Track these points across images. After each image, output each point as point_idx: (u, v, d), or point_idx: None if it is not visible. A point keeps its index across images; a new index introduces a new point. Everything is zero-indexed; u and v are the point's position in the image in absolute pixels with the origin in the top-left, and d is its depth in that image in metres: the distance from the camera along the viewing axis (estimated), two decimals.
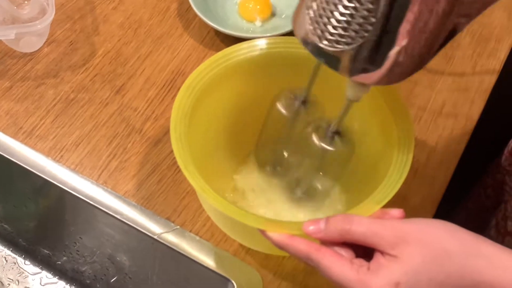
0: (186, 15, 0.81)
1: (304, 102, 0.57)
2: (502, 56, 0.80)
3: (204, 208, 0.63)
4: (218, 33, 0.79)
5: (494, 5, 0.82)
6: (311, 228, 0.46)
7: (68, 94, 0.73)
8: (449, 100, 0.75)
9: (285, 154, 0.62)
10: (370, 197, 0.49)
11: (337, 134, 0.53)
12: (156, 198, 0.65)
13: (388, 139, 0.54)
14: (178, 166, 0.67)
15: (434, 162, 0.70)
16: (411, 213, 0.66)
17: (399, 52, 0.42)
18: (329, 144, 0.53)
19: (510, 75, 0.82)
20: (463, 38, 0.81)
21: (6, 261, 0.83)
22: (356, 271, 0.43)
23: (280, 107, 0.57)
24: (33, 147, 0.69)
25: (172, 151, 0.68)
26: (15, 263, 0.83)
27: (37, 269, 0.83)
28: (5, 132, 0.70)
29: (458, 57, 0.79)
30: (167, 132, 0.70)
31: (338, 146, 0.54)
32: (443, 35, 0.44)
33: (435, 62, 0.78)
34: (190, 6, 0.78)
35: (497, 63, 0.79)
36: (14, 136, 0.69)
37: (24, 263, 0.83)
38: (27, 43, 0.76)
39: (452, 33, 0.44)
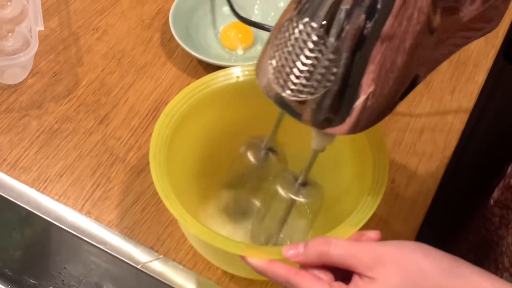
0: (168, 45, 0.83)
1: (270, 149, 0.58)
2: (480, 80, 0.82)
3: (187, 237, 0.63)
4: (200, 61, 0.80)
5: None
6: (290, 252, 0.46)
7: (52, 124, 0.74)
8: (428, 124, 0.76)
9: (253, 201, 0.63)
10: (346, 220, 0.50)
11: (304, 185, 0.54)
12: (140, 227, 0.66)
13: (363, 162, 0.55)
14: None
15: (415, 186, 0.71)
16: (392, 237, 0.67)
17: (363, 102, 0.43)
18: (298, 195, 0.54)
19: (488, 99, 0.83)
20: None
21: None
22: None
23: (246, 154, 0.58)
24: (17, 178, 0.69)
25: None
26: None
27: None
28: None
29: (437, 81, 0.81)
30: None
31: (308, 197, 0.54)
32: (406, 84, 0.45)
33: None
34: (172, 36, 0.79)
35: (475, 87, 0.81)
36: None
37: None
38: (11, 75, 0.76)
39: (413, 83, 0.45)
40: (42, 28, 0.74)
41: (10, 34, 0.80)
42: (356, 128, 0.44)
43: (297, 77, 0.43)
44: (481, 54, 0.84)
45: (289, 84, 0.44)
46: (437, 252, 0.44)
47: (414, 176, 0.71)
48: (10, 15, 0.80)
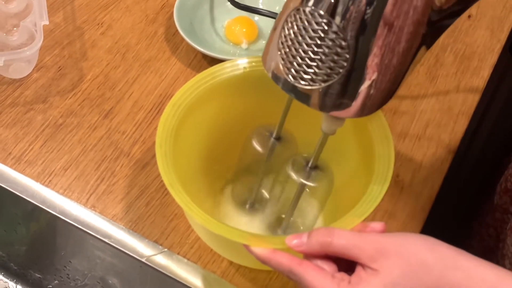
0: (173, 39, 0.83)
1: (278, 138, 0.58)
2: (485, 74, 0.82)
3: (192, 226, 0.64)
4: (205, 56, 0.80)
5: (476, 23, 0.83)
6: (294, 242, 0.47)
7: (57, 119, 0.74)
8: (433, 119, 0.76)
9: (263, 191, 0.63)
10: (351, 211, 0.50)
11: (315, 168, 0.54)
12: (144, 221, 0.66)
13: (368, 154, 0.55)
14: (166, 189, 0.68)
15: (419, 180, 0.70)
16: (398, 229, 0.68)
17: (370, 86, 0.43)
18: (309, 179, 0.54)
19: (493, 93, 0.83)
20: (447, 57, 0.83)
21: None
22: (337, 285, 0.43)
23: (254, 143, 0.58)
24: (22, 172, 0.69)
25: (159, 174, 0.69)
26: (6, 287, 0.84)
27: None
28: None
29: (442, 76, 0.81)
30: (155, 155, 0.70)
31: (318, 181, 0.54)
32: (408, 61, 0.45)
33: (419, 80, 0.80)
34: (177, 30, 0.79)
35: (480, 81, 0.81)
36: (3, 161, 0.70)
37: (16, 287, 0.84)
38: (16, 69, 0.77)
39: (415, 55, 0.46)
40: (47, 23, 0.74)
41: (15, 28, 0.80)
42: (364, 111, 0.45)
43: (309, 67, 0.43)
44: (486, 48, 0.84)
45: (302, 74, 0.44)
46: (441, 245, 0.44)
47: (419, 171, 0.71)
48: (15, 10, 0.80)
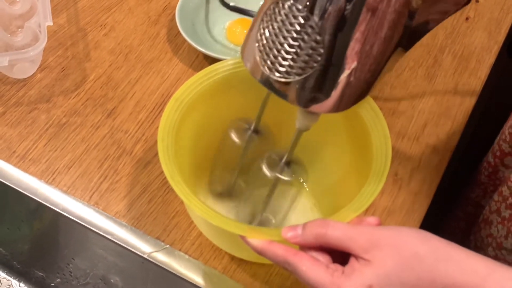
0: (175, 40, 0.84)
1: (256, 131, 0.59)
2: (483, 75, 0.83)
3: (193, 220, 0.64)
4: (206, 57, 0.81)
5: (473, 25, 0.85)
6: (289, 234, 0.48)
7: (60, 118, 0.75)
8: (431, 119, 0.77)
9: (239, 183, 0.64)
10: (348, 206, 0.51)
11: (288, 164, 0.55)
12: (146, 218, 0.67)
13: (366, 149, 0.56)
14: (168, 187, 0.69)
15: (418, 179, 0.71)
16: None
17: (347, 78, 0.44)
18: (282, 174, 0.55)
19: (490, 94, 0.84)
20: (445, 58, 0.84)
21: (1, 283, 0.84)
22: (331, 275, 0.44)
23: (232, 135, 0.59)
24: (26, 170, 0.70)
25: (161, 172, 0.70)
26: (9, 285, 0.84)
27: None
28: None
29: (440, 76, 0.82)
30: (157, 153, 0.71)
31: (291, 176, 0.55)
32: (385, 58, 0.46)
33: (418, 81, 0.81)
34: (179, 31, 0.80)
35: (478, 82, 0.82)
36: (7, 160, 0.71)
37: (19, 285, 0.85)
38: (20, 69, 0.78)
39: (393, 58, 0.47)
40: (51, 23, 0.75)
41: (19, 29, 0.82)
42: (340, 106, 0.46)
43: (284, 59, 0.44)
44: (484, 50, 0.85)
45: (277, 66, 0.45)
46: (433, 238, 0.45)
47: (417, 169, 0.72)
48: (19, 11, 0.82)
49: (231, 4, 0.85)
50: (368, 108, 0.57)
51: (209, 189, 0.67)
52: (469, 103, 0.79)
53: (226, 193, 0.65)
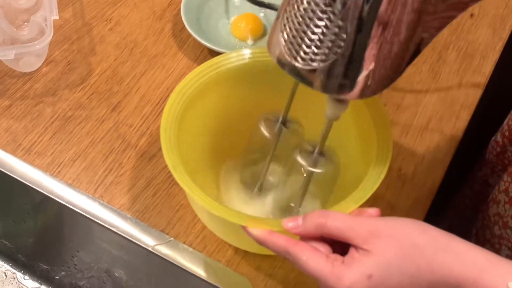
0: (180, 35, 0.84)
1: (285, 123, 0.59)
2: (487, 71, 0.83)
3: (196, 211, 0.64)
4: (211, 52, 0.81)
5: (478, 21, 0.85)
6: (290, 224, 0.48)
7: (66, 111, 0.75)
8: (435, 114, 0.77)
9: (270, 177, 0.65)
10: (349, 197, 0.51)
11: (321, 155, 0.55)
12: (151, 211, 0.67)
13: (368, 143, 0.56)
14: (172, 180, 0.70)
15: (421, 175, 0.72)
16: None
17: (371, 65, 0.44)
18: (316, 167, 0.55)
19: (494, 91, 0.84)
20: (449, 54, 0.84)
21: (6, 276, 0.85)
22: (331, 264, 0.45)
23: (262, 129, 0.59)
24: (32, 163, 0.71)
25: (166, 165, 0.70)
26: (14, 278, 0.85)
27: (36, 284, 0.85)
28: (4, 149, 0.72)
29: (444, 72, 0.82)
30: (161, 147, 0.72)
31: (324, 167, 0.55)
32: (410, 52, 0.46)
33: (422, 77, 0.81)
34: (184, 26, 0.81)
35: (482, 78, 0.82)
36: (13, 152, 0.71)
37: (24, 278, 0.85)
38: (26, 63, 0.78)
39: (418, 50, 0.47)
40: (57, 17, 0.75)
41: (25, 23, 0.82)
42: (366, 92, 0.46)
43: (308, 46, 0.45)
44: (488, 46, 0.85)
45: (301, 53, 0.45)
46: (433, 229, 0.46)
47: (420, 165, 0.72)
48: (25, 5, 0.82)
49: None
50: (372, 105, 0.57)
51: (242, 184, 0.67)
52: (473, 99, 0.79)
53: (258, 187, 0.65)
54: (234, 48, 0.83)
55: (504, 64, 0.87)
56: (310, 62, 0.45)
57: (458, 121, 0.77)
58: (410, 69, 0.81)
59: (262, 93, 0.60)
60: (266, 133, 0.59)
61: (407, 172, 0.72)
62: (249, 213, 0.64)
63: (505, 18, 0.89)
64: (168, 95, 0.78)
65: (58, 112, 0.75)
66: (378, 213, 0.49)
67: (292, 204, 0.61)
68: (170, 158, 0.53)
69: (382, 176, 0.52)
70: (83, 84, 0.78)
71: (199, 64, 0.81)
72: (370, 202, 0.51)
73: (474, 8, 0.90)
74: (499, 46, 0.86)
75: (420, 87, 0.80)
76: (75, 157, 0.72)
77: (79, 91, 0.77)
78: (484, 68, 0.83)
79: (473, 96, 0.80)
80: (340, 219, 0.46)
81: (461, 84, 0.81)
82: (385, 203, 0.69)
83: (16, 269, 0.85)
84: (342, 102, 0.49)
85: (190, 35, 0.80)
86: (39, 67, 0.79)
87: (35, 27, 0.77)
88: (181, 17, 0.81)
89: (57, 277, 0.84)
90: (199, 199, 0.51)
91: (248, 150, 0.64)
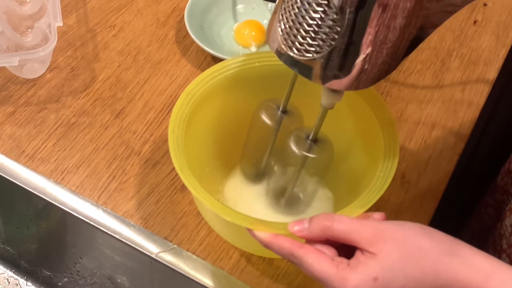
0: (183, 42, 0.84)
1: (285, 112, 0.60)
2: (491, 79, 0.83)
3: (201, 214, 0.65)
4: (214, 58, 0.82)
5: (481, 28, 0.85)
6: (296, 227, 0.48)
7: (69, 118, 0.75)
8: (438, 121, 0.77)
9: (269, 163, 0.65)
10: (354, 202, 0.51)
11: (315, 141, 0.57)
12: (154, 218, 0.67)
13: (375, 149, 0.57)
14: (175, 187, 0.70)
15: (425, 182, 0.72)
16: None
17: (364, 60, 0.45)
18: (309, 151, 0.57)
19: (498, 98, 0.84)
20: (452, 61, 0.84)
21: (9, 282, 0.85)
22: (336, 267, 0.45)
23: (262, 116, 0.60)
24: (35, 169, 0.71)
25: (170, 172, 0.71)
26: (17, 284, 0.85)
27: None
28: (8, 155, 0.72)
29: (448, 79, 0.82)
30: (165, 153, 0.72)
31: (317, 153, 0.57)
32: (408, 40, 0.46)
33: (425, 84, 0.81)
34: (187, 33, 0.81)
35: (485, 86, 0.82)
36: (16, 159, 0.71)
37: (26, 284, 0.85)
38: (30, 69, 0.78)
39: (415, 42, 0.47)
40: (61, 24, 0.75)
41: (29, 30, 0.82)
42: (359, 84, 0.47)
43: (303, 38, 0.46)
44: (491, 53, 0.85)
45: (297, 44, 0.46)
46: (438, 233, 0.46)
47: (424, 172, 0.72)
48: (29, 11, 0.82)
49: None
50: (379, 110, 0.58)
51: (240, 171, 0.67)
52: (477, 106, 0.79)
53: (259, 174, 0.66)
54: (237, 55, 0.83)
55: (507, 71, 0.87)
56: (305, 53, 0.46)
57: (462, 129, 0.77)
58: (413, 76, 0.82)
59: (270, 95, 0.61)
60: (267, 120, 0.60)
61: (410, 179, 0.72)
62: (246, 198, 0.66)
63: (509, 25, 0.89)
64: (172, 101, 0.78)
65: (62, 119, 0.75)
66: (383, 218, 0.49)
67: (289, 190, 0.62)
68: (177, 158, 0.53)
69: (388, 182, 0.52)
70: (86, 90, 0.78)
71: (202, 70, 0.81)
72: (373, 209, 0.51)
73: (477, 15, 0.90)
74: (502, 53, 0.86)
75: (423, 95, 0.80)
76: (78, 163, 0.72)
77: (82, 98, 0.78)
78: (487, 75, 0.83)
79: (477, 104, 0.80)
80: (346, 222, 0.46)
81: (464, 91, 0.81)
82: (389, 210, 0.69)
83: (19, 276, 0.85)
84: (336, 92, 0.50)
85: (193, 41, 0.80)
86: (43, 73, 0.79)
87: (39, 33, 0.78)
88: (184, 24, 0.81)
89: (60, 284, 0.84)
90: (204, 200, 0.51)
91: (248, 139, 0.65)
